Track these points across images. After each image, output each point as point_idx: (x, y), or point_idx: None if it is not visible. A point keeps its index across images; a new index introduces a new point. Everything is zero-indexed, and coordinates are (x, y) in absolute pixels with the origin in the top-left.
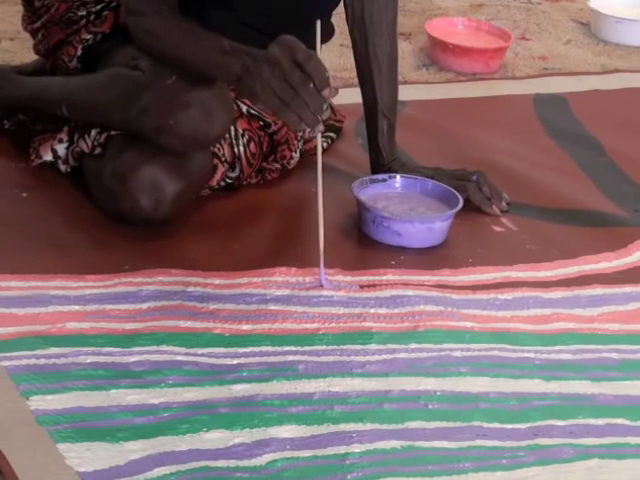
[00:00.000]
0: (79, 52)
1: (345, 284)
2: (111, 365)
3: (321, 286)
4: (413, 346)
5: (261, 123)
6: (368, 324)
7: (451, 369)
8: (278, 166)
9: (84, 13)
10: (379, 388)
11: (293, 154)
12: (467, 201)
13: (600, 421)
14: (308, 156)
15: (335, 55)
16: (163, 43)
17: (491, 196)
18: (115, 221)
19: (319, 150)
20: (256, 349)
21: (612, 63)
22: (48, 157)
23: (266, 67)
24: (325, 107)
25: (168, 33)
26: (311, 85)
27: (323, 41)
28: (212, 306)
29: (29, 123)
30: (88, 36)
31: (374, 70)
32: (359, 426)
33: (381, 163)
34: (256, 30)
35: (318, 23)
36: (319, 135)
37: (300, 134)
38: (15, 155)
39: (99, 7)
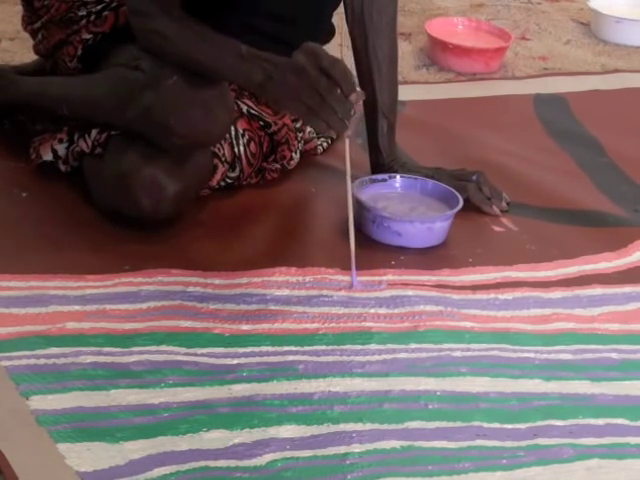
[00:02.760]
0: (79, 52)
1: (346, 284)
2: (111, 365)
3: (351, 287)
4: (413, 346)
5: (261, 123)
6: (368, 324)
7: (451, 369)
8: (278, 166)
9: (84, 13)
10: (379, 388)
11: (293, 154)
12: (467, 201)
13: (600, 421)
14: (308, 156)
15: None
16: (173, 45)
17: (491, 196)
18: (115, 221)
19: (347, 155)
20: (256, 349)
21: (612, 63)
22: (48, 157)
23: (292, 75)
24: (352, 112)
25: (179, 35)
26: (338, 91)
27: (324, 42)
28: (212, 306)
29: (29, 123)
30: (88, 36)
31: (374, 70)
32: (359, 426)
33: (381, 163)
34: (257, 33)
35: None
36: (347, 140)
37: (300, 135)
38: (15, 155)
39: (99, 7)
